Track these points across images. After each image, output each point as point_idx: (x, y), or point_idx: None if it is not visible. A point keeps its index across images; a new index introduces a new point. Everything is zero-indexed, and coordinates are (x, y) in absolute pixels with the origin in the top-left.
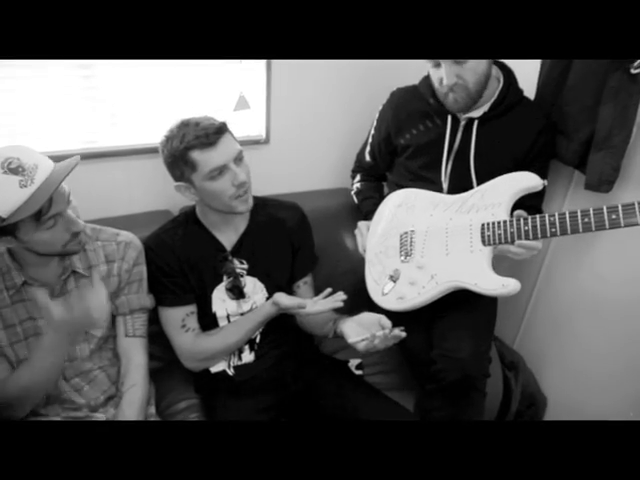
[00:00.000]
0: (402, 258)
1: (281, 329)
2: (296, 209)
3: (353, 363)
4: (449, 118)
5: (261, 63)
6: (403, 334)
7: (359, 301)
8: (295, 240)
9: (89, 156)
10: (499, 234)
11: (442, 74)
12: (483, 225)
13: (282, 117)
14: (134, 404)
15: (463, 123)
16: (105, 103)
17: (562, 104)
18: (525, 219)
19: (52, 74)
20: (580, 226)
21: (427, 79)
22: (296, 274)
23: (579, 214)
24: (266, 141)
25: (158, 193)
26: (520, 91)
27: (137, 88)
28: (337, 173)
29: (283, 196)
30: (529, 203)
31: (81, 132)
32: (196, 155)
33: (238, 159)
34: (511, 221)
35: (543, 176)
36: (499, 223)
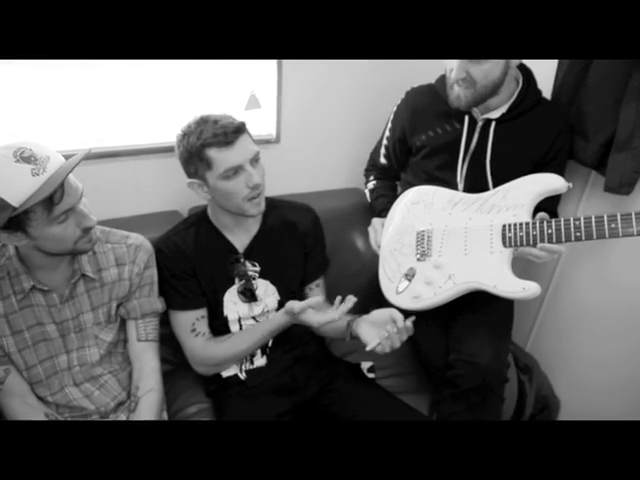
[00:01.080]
0: (418, 256)
1: (293, 333)
2: (309, 211)
3: (365, 366)
4: (466, 118)
5: (272, 62)
6: (410, 323)
7: (371, 302)
8: (307, 243)
9: (97, 156)
10: (521, 236)
11: (453, 65)
12: (504, 226)
13: (293, 116)
14: (152, 410)
15: (480, 124)
16: (113, 101)
17: (581, 104)
18: (549, 222)
19: (58, 73)
20: (607, 231)
21: (444, 78)
22: (308, 277)
23: (605, 219)
24: (277, 140)
25: (167, 194)
26: (539, 92)
27: (146, 87)
28: (348, 173)
29: (293, 196)
30: (545, 205)
31: (88, 131)
32: (212, 153)
33: (254, 160)
34: (534, 223)
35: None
36: (521, 225)
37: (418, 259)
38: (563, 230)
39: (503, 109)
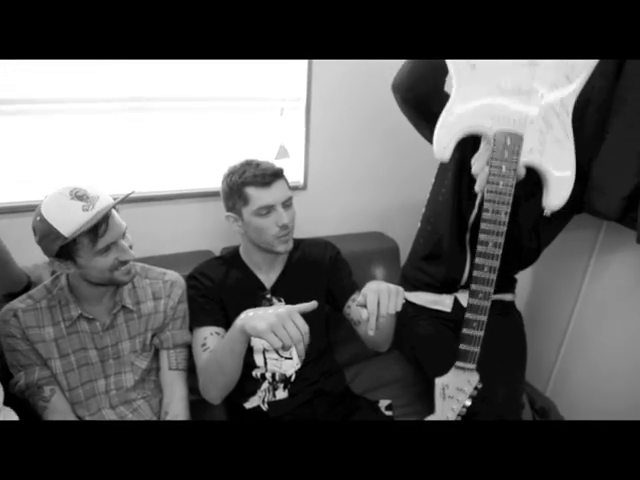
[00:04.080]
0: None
1: (315, 369)
2: (326, 244)
3: (383, 404)
4: None
5: (301, 117)
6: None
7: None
8: (328, 271)
9: (140, 199)
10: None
11: None
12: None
13: (319, 166)
14: None
15: None
16: (155, 151)
17: (602, 157)
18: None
19: (106, 121)
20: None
21: None
22: (340, 299)
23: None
24: (304, 187)
25: (201, 234)
26: None
27: (185, 138)
28: (370, 218)
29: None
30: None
31: (133, 177)
32: (250, 191)
33: (286, 204)
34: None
35: (560, 227)
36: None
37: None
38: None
39: None
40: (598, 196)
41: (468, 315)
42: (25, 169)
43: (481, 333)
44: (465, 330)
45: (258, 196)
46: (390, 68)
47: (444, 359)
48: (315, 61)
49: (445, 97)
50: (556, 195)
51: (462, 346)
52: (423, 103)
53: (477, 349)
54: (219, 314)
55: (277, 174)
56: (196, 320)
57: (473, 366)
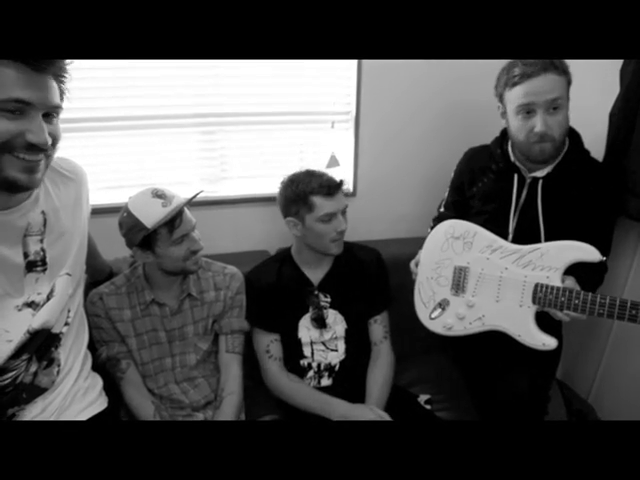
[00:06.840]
0: (453, 291)
1: (358, 362)
2: (375, 254)
3: (422, 398)
4: (515, 176)
5: (350, 129)
6: None
7: (432, 342)
8: (372, 282)
9: (208, 203)
10: (550, 299)
11: (536, 122)
12: (537, 285)
13: (367, 174)
14: (232, 408)
15: (528, 181)
16: (219, 160)
17: (629, 163)
18: (577, 294)
19: (179, 137)
20: (627, 316)
21: (498, 139)
22: (370, 312)
23: (628, 305)
24: (353, 194)
25: (258, 236)
26: (586, 152)
27: (245, 149)
28: (415, 223)
29: (367, 242)
30: (583, 269)
31: (200, 183)
32: (316, 199)
33: (343, 211)
34: (564, 290)
35: (610, 231)
36: (552, 288)
37: (453, 294)
38: (588, 305)
39: (549, 168)
40: (630, 198)
41: None
42: (105, 178)
43: None
44: None
45: (323, 204)
46: (436, 80)
47: (483, 361)
48: (364, 76)
49: None
50: (592, 255)
51: None
52: None
53: None
54: (274, 317)
55: (339, 186)
56: (256, 322)
57: None
